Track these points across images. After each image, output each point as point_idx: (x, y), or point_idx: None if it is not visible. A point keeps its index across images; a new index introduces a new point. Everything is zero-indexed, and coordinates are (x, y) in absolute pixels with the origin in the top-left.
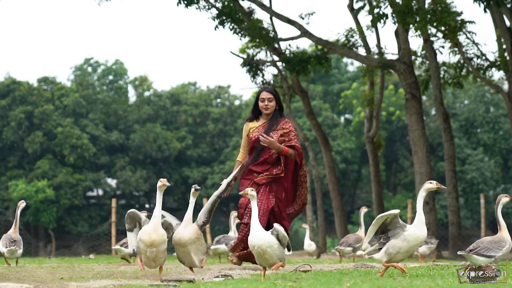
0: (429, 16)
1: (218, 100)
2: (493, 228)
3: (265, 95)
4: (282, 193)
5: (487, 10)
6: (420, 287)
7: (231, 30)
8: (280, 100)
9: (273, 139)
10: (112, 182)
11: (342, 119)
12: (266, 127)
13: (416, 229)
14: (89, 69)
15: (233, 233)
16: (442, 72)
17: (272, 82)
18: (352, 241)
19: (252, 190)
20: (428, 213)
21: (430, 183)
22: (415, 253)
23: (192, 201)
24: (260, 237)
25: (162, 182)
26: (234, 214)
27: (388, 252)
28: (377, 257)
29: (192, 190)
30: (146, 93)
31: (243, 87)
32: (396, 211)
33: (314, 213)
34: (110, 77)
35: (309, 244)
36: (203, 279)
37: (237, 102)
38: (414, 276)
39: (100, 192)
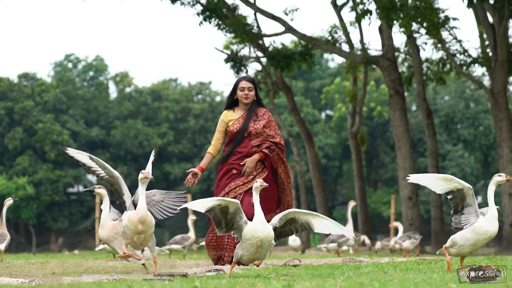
0: (412, 12)
1: (199, 96)
2: None
3: (245, 84)
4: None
5: (470, 7)
6: (414, 281)
7: (215, 26)
8: (257, 90)
9: (249, 162)
10: (93, 178)
11: (323, 115)
12: (245, 117)
13: (488, 223)
14: (70, 65)
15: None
16: (425, 68)
17: (255, 77)
18: (336, 237)
19: (256, 182)
20: (411, 208)
21: (499, 175)
22: (399, 248)
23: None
24: (264, 230)
25: (144, 174)
26: (192, 217)
27: (456, 243)
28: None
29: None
30: (127, 89)
31: (227, 83)
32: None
33: (298, 208)
34: (91, 73)
35: (293, 240)
36: (195, 273)
37: (218, 98)
38: (404, 270)
39: (81, 188)
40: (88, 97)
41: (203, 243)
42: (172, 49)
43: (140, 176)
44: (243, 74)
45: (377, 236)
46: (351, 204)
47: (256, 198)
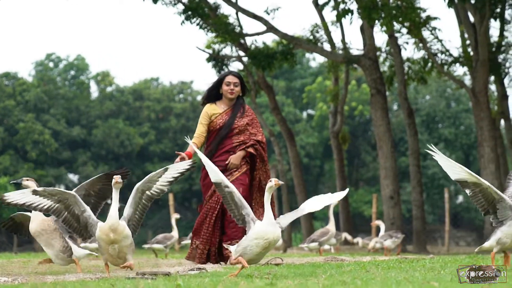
0: (394, 12)
1: (181, 96)
2: (455, 222)
3: (231, 78)
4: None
5: (451, 6)
6: (396, 279)
7: (197, 25)
8: (245, 85)
9: (235, 159)
10: (74, 177)
11: (304, 114)
12: (229, 113)
13: None
14: (51, 64)
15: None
16: (406, 68)
17: None
18: (317, 236)
19: (270, 181)
20: (393, 207)
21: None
22: (380, 247)
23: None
24: (275, 232)
25: (116, 179)
26: (175, 215)
27: (500, 241)
28: (487, 246)
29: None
30: (108, 89)
31: (209, 82)
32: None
33: (280, 208)
34: (72, 73)
35: None
36: (178, 272)
37: (200, 98)
38: (386, 268)
39: (62, 187)
40: (69, 97)
41: (188, 241)
42: (154, 49)
43: (113, 181)
44: None
45: (359, 235)
46: (335, 201)
47: (267, 198)
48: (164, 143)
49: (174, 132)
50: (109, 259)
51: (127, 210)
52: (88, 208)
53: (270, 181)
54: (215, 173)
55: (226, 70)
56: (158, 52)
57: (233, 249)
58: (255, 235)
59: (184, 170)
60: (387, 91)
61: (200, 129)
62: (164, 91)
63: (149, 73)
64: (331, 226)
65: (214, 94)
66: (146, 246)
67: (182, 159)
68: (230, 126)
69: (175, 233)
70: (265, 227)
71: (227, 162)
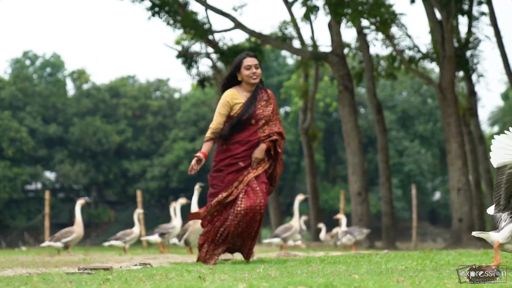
0: (360, 8)
1: (158, 93)
2: (432, 219)
3: (251, 61)
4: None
5: (415, 1)
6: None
7: (164, 21)
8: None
9: (259, 153)
10: (51, 175)
11: (281, 111)
12: (251, 100)
13: None
14: (27, 62)
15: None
16: (375, 64)
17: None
18: (280, 231)
19: None
20: (360, 204)
21: None
22: (338, 244)
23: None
24: None
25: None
26: (138, 211)
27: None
28: (493, 238)
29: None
30: (85, 86)
31: (179, 79)
32: None
33: None
34: (48, 70)
35: None
36: (121, 267)
37: (176, 95)
38: (331, 263)
39: (39, 185)
40: (45, 94)
41: (150, 238)
42: (130, 46)
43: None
44: (194, 71)
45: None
46: (299, 198)
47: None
48: (141, 141)
49: (151, 129)
50: None
51: None
52: None
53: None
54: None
55: (195, 66)
56: (134, 50)
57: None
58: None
59: None
60: (356, 87)
61: (219, 120)
62: (141, 88)
63: (125, 71)
64: (294, 222)
65: (228, 82)
66: (105, 244)
67: (199, 161)
68: (252, 115)
69: (136, 229)
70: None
71: (253, 158)
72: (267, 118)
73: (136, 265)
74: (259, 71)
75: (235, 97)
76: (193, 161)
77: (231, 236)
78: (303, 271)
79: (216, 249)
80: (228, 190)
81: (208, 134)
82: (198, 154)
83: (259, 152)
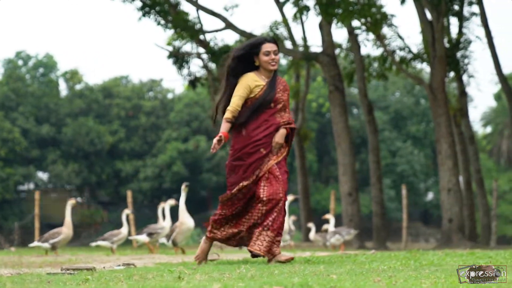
0: (351, 8)
1: (151, 94)
2: (425, 219)
3: (270, 47)
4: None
5: (405, 2)
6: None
7: (154, 21)
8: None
9: (279, 138)
10: (44, 176)
11: None
12: (270, 86)
13: None
14: (20, 62)
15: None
16: (366, 65)
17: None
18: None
19: None
20: (351, 204)
21: None
22: (327, 244)
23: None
24: None
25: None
26: (126, 211)
27: None
28: None
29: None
30: (78, 87)
31: (171, 79)
32: None
33: None
34: (41, 70)
35: None
36: (104, 267)
37: (170, 96)
38: (315, 263)
39: (32, 186)
40: (38, 94)
41: (138, 237)
42: (123, 46)
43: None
44: (185, 71)
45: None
46: (289, 198)
47: None
48: (134, 141)
49: (144, 129)
50: None
51: None
52: None
53: None
54: None
55: (186, 66)
56: (127, 50)
57: None
58: None
59: None
60: (347, 87)
61: (237, 103)
62: (134, 89)
63: (118, 71)
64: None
65: (241, 68)
66: (93, 243)
67: (220, 141)
68: (272, 99)
69: (124, 229)
70: None
71: (273, 143)
72: (285, 103)
73: (119, 265)
74: (278, 57)
75: (256, 79)
76: (215, 140)
77: (247, 225)
78: (284, 271)
79: (223, 226)
80: (249, 179)
81: (228, 115)
82: (220, 134)
83: (279, 136)
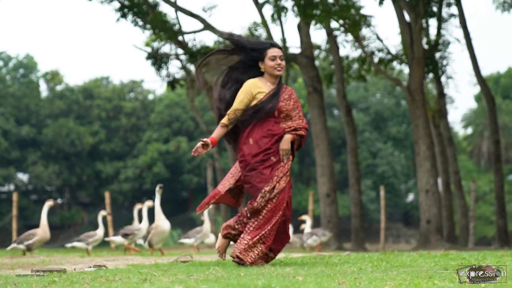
0: (329, 9)
1: (132, 95)
2: (405, 220)
3: (276, 52)
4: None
5: (381, 3)
6: (272, 274)
7: (132, 22)
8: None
9: (285, 144)
10: (24, 177)
11: None
12: (274, 94)
13: None
14: (0, 63)
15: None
16: (345, 66)
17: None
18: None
19: None
20: (329, 205)
21: None
22: (305, 245)
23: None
24: None
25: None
26: (102, 212)
27: None
28: None
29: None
30: (58, 88)
31: (151, 81)
32: None
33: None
34: (21, 71)
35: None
36: (74, 269)
37: (150, 97)
38: (287, 264)
39: (12, 187)
40: (18, 95)
41: (114, 238)
42: (104, 47)
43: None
44: (164, 72)
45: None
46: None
47: None
48: (115, 142)
49: (124, 130)
50: None
51: None
52: None
53: None
54: None
55: (165, 68)
56: (108, 51)
57: None
58: None
59: None
60: (326, 88)
61: (236, 107)
62: (115, 90)
63: (99, 72)
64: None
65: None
66: (68, 245)
67: (205, 146)
68: (275, 107)
69: (100, 231)
70: None
71: (280, 151)
72: (289, 112)
73: (90, 267)
74: (283, 62)
75: (259, 85)
76: (199, 144)
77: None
78: (252, 272)
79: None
80: (270, 184)
81: (225, 120)
82: (206, 139)
83: (285, 143)
